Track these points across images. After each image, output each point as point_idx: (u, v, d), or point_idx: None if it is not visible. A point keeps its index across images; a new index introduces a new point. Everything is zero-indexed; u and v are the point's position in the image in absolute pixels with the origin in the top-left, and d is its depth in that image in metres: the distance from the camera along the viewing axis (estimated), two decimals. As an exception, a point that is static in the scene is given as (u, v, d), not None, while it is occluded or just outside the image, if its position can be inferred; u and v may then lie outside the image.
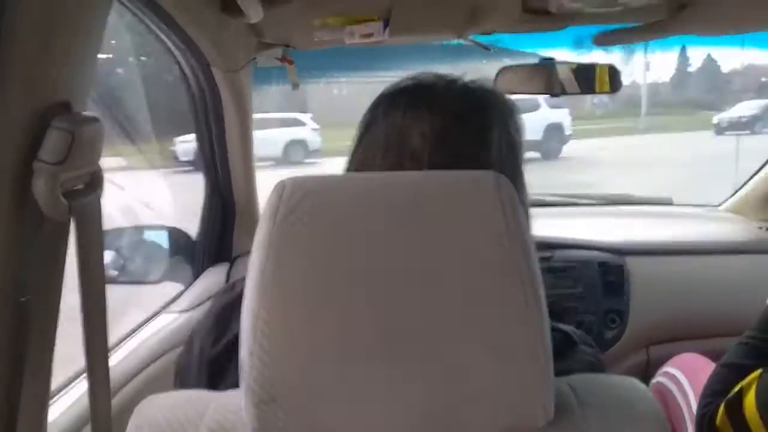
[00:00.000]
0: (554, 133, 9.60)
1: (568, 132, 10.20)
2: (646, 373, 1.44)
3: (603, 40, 1.24)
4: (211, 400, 0.50)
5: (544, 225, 1.68)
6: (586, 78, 1.35)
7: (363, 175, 0.60)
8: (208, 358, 0.64)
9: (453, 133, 0.61)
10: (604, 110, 13.35)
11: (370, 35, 1.08)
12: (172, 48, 1.12)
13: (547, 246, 1.53)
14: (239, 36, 1.13)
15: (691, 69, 15.20)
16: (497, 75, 1.35)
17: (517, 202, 0.46)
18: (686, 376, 1.25)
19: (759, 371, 0.77)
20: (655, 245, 1.61)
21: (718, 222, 1.84)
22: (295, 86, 1.25)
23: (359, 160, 0.65)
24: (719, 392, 0.82)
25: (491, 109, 0.65)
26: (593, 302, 1.49)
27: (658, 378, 1.34)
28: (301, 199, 0.45)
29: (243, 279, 0.47)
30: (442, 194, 0.46)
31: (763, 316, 0.88)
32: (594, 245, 1.57)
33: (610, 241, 1.59)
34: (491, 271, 0.44)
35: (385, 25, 1.08)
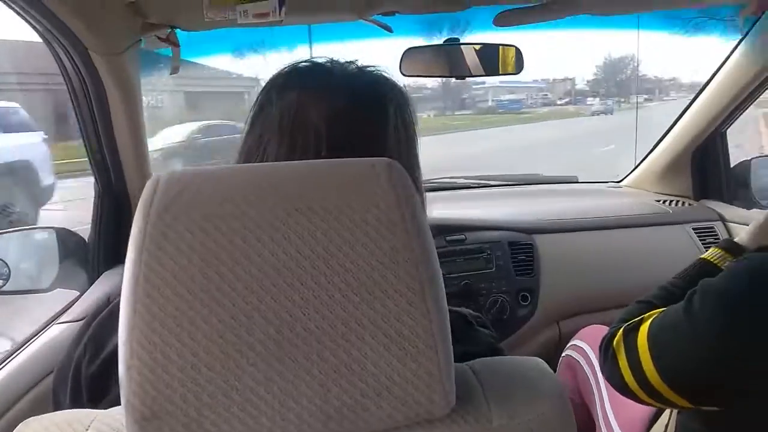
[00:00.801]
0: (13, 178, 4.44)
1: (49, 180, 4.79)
2: (558, 347, 1.49)
3: (504, 21, 1.25)
4: (93, 418, 0.47)
5: (457, 207, 1.69)
6: (489, 59, 1.35)
7: (248, 166, 0.57)
8: (86, 377, 0.61)
9: (351, 112, 0.61)
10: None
11: (265, 15, 1.02)
12: (43, 32, 1.01)
13: (461, 228, 1.55)
14: (120, 16, 1.04)
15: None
16: (402, 57, 1.33)
17: (413, 190, 0.45)
18: (592, 348, 1.30)
19: (663, 309, 0.82)
20: (561, 223, 1.66)
21: (620, 197, 1.94)
22: (175, 70, 1.17)
23: (252, 146, 0.63)
24: (625, 321, 0.87)
25: (387, 91, 0.65)
26: (506, 281, 1.53)
27: (567, 351, 1.39)
28: (178, 195, 0.42)
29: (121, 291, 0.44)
30: (333, 183, 0.44)
31: (687, 268, 0.94)
32: (505, 225, 1.60)
33: (520, 221, 1.63)
34: (385, 261, 0.43)
35: (281, 4, 1.02)
